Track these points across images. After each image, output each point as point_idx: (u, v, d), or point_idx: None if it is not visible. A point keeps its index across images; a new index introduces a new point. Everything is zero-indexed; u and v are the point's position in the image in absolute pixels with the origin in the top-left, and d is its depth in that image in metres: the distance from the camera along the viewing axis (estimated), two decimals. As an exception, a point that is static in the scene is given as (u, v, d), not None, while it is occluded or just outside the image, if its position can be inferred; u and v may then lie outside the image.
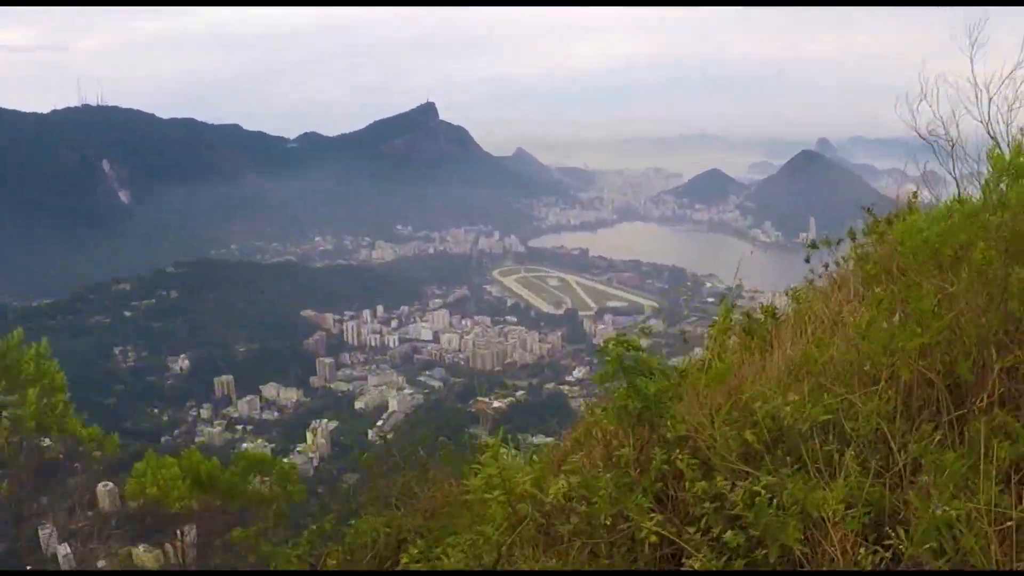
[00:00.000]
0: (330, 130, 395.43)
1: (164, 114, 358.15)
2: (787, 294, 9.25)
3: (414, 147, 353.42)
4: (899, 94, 7.64)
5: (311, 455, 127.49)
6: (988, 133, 6.95)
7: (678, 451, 5.25)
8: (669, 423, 5.69)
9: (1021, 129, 6.91)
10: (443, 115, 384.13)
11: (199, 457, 12.54)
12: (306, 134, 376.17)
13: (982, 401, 4.75)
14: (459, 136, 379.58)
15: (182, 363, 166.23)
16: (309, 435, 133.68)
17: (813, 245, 9.06)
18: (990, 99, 6.87)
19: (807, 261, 9.29)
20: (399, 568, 6.59)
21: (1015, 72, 6.81)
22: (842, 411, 4.96)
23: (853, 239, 8.47)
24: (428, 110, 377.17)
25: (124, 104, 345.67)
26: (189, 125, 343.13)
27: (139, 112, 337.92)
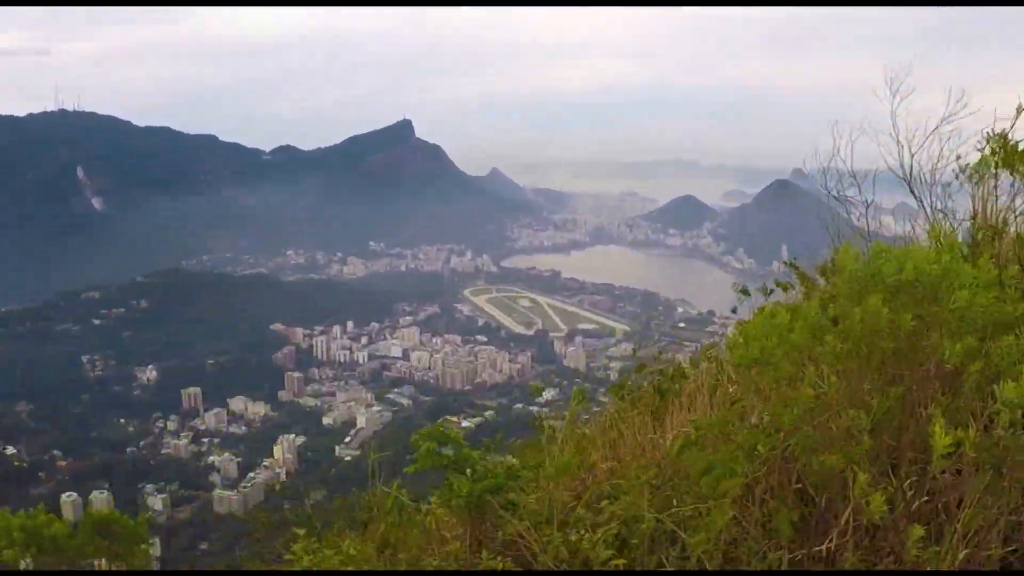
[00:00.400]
0: (306, 144, 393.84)
1: (140, 121, 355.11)
2: (701, 353, 8.64)
3: (389, 164, 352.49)
4: (815, 146, 7.53)
5: (278, 470, 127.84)
6: (913, 194, 6.77)
7: (499, 557, 4.81)
8: (500, 521, 5.26)
9: (944, 186, 6.64)
10: (419, 133, 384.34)
11: (44, 519, 12.57)
12: (282, 147, 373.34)
13: (831, 541, 4.35)
14: (435, 154, 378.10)
15: (150, 374, 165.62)
16: (276, 450, 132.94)
17: (745, 291, 8.38)
18: (912, 155, 6.67)
19: (734, 311, 8.74)
20: None
21: (941, 127, 6.50)
22: (694, 520, 4.54)
23: (785, 290, 7.77)
24: (405, 127, 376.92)
25: (102, 110, 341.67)
26: (165, 134, 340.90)
27: (116, 119, 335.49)
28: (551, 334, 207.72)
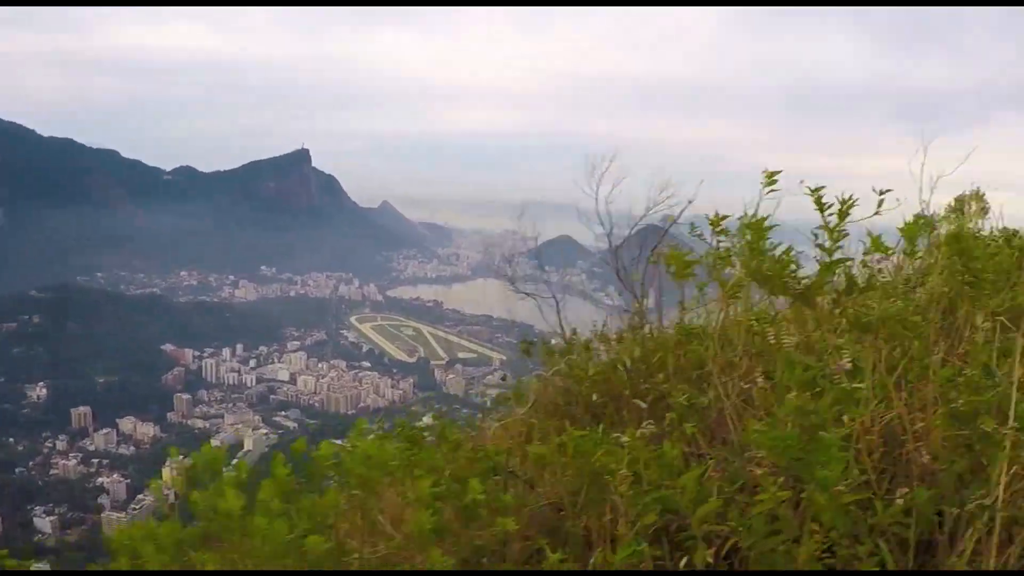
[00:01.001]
0: (206, 166, 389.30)
1: (45, 131, 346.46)
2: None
3: (285, 190, 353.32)
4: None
5: (167, 492, 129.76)
6: (630, 292, 6.27)
7: None
8: None
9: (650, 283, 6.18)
10: (316, 162, 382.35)
11: None
12: (182, 167, 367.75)
13: None
14: (329, 184, 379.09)
15: (40, 391, 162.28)
16: (165, 472, 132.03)
17: (527, 350, 6.97)
18: (616, 249, 6.64)
19: (504, 379, 7.63)
20: None
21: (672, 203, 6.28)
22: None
23: (585, 348, 6.44)
24: (302, 156, 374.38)
25: (6, 116, 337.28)
26: (67, 146, 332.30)
27: (19, 126, 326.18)
28: (432, 362, 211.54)
